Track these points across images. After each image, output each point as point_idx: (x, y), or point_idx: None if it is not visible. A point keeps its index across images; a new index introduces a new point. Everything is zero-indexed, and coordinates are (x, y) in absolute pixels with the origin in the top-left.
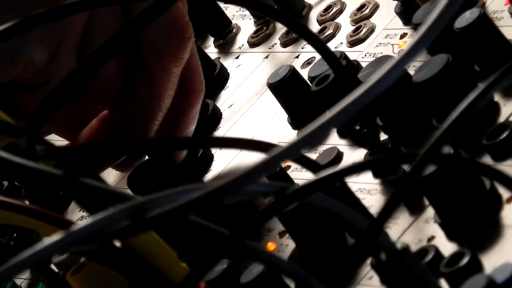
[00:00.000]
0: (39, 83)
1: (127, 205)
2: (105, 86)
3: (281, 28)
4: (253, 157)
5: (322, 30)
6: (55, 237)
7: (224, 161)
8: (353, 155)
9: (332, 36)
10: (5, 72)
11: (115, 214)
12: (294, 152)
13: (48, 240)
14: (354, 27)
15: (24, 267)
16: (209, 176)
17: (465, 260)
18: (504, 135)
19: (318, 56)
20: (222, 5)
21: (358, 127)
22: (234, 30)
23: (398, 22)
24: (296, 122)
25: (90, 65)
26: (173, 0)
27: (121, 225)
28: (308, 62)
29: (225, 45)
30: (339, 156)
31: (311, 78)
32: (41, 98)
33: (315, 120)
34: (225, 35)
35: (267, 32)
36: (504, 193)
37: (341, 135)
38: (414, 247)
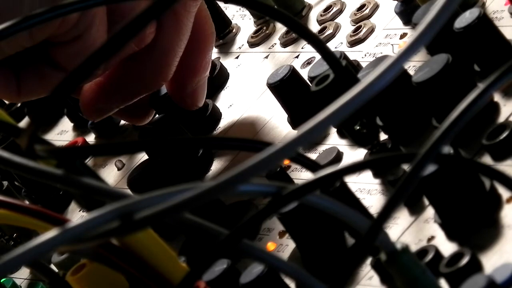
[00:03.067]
0: (72, 38)
1: (116, 206)
2: (142, 38)
3: (281, 28)
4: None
5: (322, 30)
6: (43, 238)
7: (224, 161)
8: (353, 155)
9: (332, 36)
10: (42, 31)
11: (103, 215)
12: (289, 151)
13: (34, 241)
14: (354, 27)
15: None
16: (209, 176)
17: (465, 260)
18: (504, 135)
19: (318, 56)
20: (222, 5)
21: (358, 127)
22: (234, 30)
23: (398, 22)
24: (296, 122)
25: (125, 35)
26: None
27: (110, 226)
28: (308, 62)
29: (225, 45)
30: (339, 156)
31: (311, 78)
32: (75, 51)
33: (311, 119)
34: (225, 35)
35: (267, 32)
36: (504, 193)
37: (341, 135)
38: (414, 247)
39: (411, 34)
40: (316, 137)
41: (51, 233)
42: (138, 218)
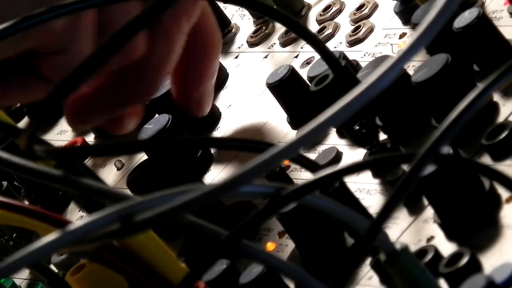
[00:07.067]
0: (58, 50)
1: (117, 208)
2: (133, 52)
3: (280, 28)
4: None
5: (321, 30)
6: (44, 240)
7: (224, 161)
8: (353, 155)
9: (331, 36)
10: (28, 41)
11: (104, 217)
12: (291, 152)
13: (36, 244)
14: (353, 27)
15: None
16: (208, 176)
17: (464, 260)
18: (503, 135)
19: (317, 56)
20: (221, 5)
21: (358, 127)
22: (233, 30)
23: (397, 21)
24: (295, 122)
25: (114, 45)
26: None
27: (111, 228)
28: (307, 62)
29: (224, 45)
30: (338, 156)
31: (310, 78)
32: (61, 63)
33: (313, 120)
34: (224, 35)
35: (266, 32)
36: (503, 193)
37: (341, 135)
38: (413, 247)
39: (411, 34)
40: (317, 138)
41: (52, 235)
42: (139, 220)
